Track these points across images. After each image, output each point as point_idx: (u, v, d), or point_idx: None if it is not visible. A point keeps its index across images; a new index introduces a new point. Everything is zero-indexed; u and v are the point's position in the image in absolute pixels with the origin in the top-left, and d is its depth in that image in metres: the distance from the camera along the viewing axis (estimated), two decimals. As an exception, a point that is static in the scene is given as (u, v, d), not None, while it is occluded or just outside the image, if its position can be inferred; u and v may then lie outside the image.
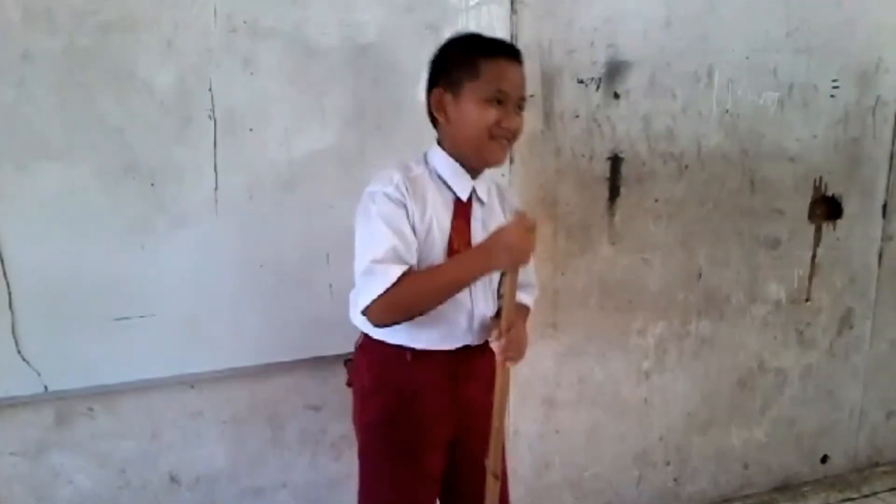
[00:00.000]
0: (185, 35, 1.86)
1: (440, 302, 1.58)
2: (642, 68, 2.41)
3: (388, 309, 1.56)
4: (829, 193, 2.83)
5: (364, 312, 1.57)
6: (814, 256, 2.87)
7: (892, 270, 3.03)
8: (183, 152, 1.91)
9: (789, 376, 2.95)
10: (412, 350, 1.69)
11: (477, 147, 1.64)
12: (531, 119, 2.29)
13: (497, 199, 1.79)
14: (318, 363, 2.11)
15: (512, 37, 2.19)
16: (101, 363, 1.94)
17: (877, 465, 3.25)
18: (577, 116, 2.36)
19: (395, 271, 1.53)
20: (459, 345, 1.72)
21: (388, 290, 1.52)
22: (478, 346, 1.76)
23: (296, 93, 1.98)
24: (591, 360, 2.59)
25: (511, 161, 2.27)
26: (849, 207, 2.87)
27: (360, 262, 1.57)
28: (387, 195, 1.59)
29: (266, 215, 2.00)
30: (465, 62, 1.62)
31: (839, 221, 2.88)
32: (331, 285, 2.06)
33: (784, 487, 3.07)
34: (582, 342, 2.56)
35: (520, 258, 1.55)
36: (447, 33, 2.08)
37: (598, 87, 2.36)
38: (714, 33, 2.48)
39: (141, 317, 1.95)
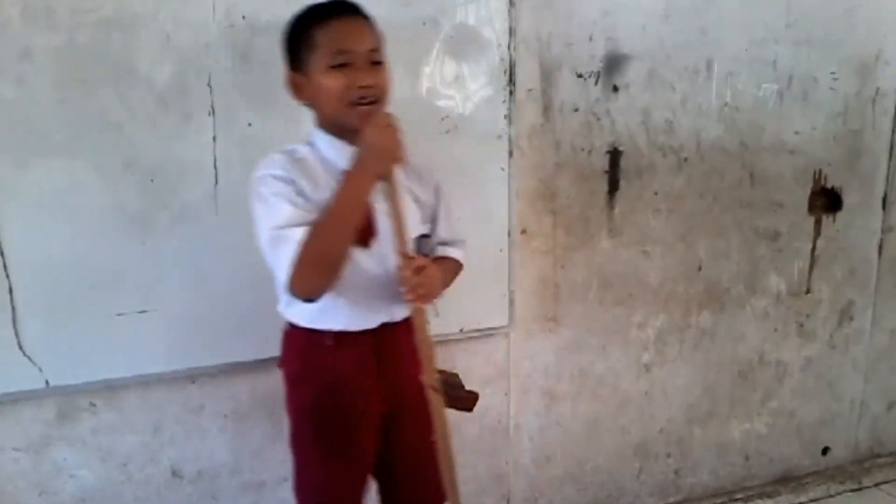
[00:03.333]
0: (183, 30, 1.86)
1: (349, 236, 1.52)
2: (641, 61, 2.41)
3: (309, 268, 1.50)
4: (829, 185, 2.83)
5: (290, 288, 1.53)
6: (814, 248, 2.87)
7: (892, 262, 3.03)
8: (183, 147, 1.92)
9: (790, 368, 2.96)
10: (333, 334, 1.67)
11: (339, 119, 1.59)
12: (531, 113, 2.30)
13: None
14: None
15: (510, 31, 2.19)
16: (103, 358, 1.95)
17: (878, 456, 3.25)
18: (577, 110, 2.36)
19: (298, 231, 1.49)
20: (379, 322, 1.70)
21: (300, 250, 1.48)
22: (400, 324, 1.73)
23: (295, 87, 1.98)
24: (591, 353, 2.59)
25: (510, 154, 2.27)
26: (849, 199, 2.87)
27: (264, 236, 1.54)
28: (273, 175, 1.56)
29: (266, 210, 2.00)
30: (301, 37, 1.58)
31: (839, 213, 2.87)
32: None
33: (785, 479, 3.07)
34: (582, 335, 2.56)
35: (391, 156, 1.53)
36: (446, 27, 2.10)
37: (597, 80, 2.36)
38: (713, 26, 2.48)
39: (142, 312, 1.95)
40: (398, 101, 1.82)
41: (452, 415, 2.32)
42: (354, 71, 1.55)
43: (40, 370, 1.89)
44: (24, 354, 1.87)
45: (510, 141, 2.27)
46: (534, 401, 2.55)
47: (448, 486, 1.76)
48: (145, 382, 2.03)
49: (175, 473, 2.12)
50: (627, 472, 2.77)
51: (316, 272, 1.52)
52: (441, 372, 2.33)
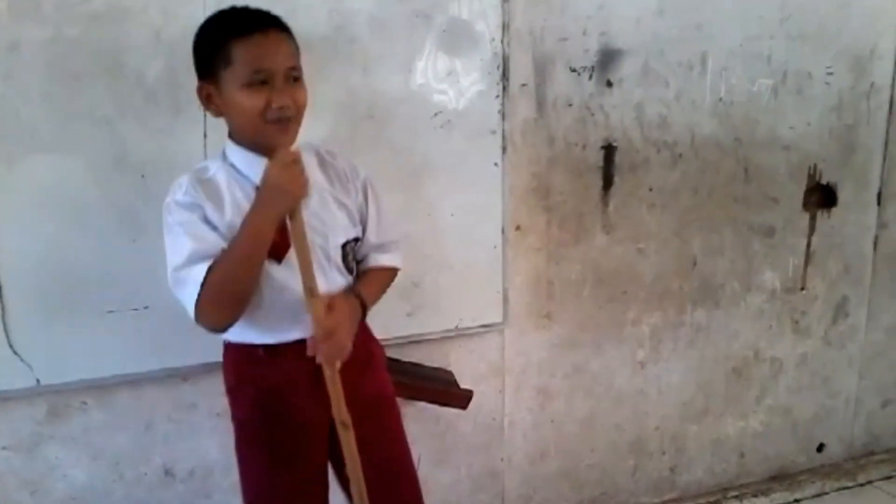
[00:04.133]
0: (173, 25, 1.84)
1: (255, 272, 1.50)
2: (635, 56, 2.40)
3: (214, 304, 1.49)
4: (824, 181, 2.82)
5: (198, 322, 1.51)
6: (808, 245, 2.86)
7: (887, 258, 3.03)
8: (174, 144, 1.90)
9: (785, 365, 2.95)
10: (264, 346, 1.64)
11: (256, 135, 1.54)
12: (525, 108, 2.30)
13: (318, 170, 1.70)
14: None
15: (503, 25, 2.18)
16: (94, 356, 1.94)
17: (872, 453, 3.25)
18: (570, 105, 2.35)
19: (200, 270, 1.47)
20: (306, 334, 1.59)
21: (203, 289, 1.46)
22: None
23: (286, 82, 1.97)
24: (585, 350, 2.59)
25: (504, 150, 2.26)
26: (843, 195, 2.87)
27: (170, 275, 1.52)
28: (177, 203, 1.53)
29: (257, 206, 1.99)
30: (216, 49, 1.50)
31: (834, 209, 2.87)
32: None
33: (780, 476, 3.07)
34: (576, 332, 2.55)
35: (292, 194, 1.48)
36: (439, 21, 2.09)
37: (590, 75, 2.35)
38: (707, 20, 2.47)
39: (133, 310, 1.94)
40: (392, 97, 1.82)
41: (447, 412, 2.33)
42: (272, 90, 1.49)
43: (31, 368, 1.88)
44: (15, 353, 1.86)
45: (504, 136, 2.26)
46: (528, 398, 2.54)
47: None
48: (137, 381, 2.02)
49: (167, 472, 2.11)
50: (622, 470, 2.77)
51: (225, 305, 1.51)
52: (436, 369, 2.34)
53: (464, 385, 2.31)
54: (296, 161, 1.49)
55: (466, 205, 2.22)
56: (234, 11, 1.55)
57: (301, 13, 1.94)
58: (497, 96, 2.23)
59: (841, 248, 2.93)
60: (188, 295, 1.48)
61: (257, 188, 1.52)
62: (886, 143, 2.88)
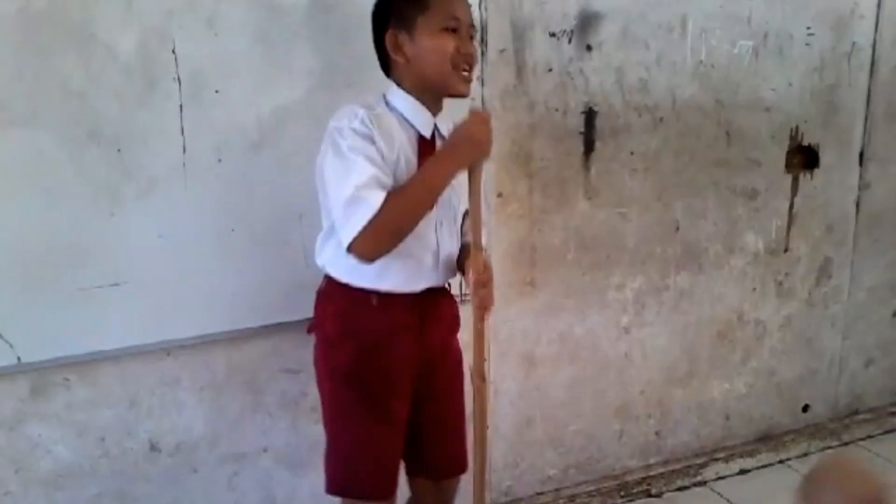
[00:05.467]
0: (144, -5, 1.82)
1: (422, 214, 1.59)
2: (615, 19, 2.39)
3: (378, 234, 1.54)
4: (806, 143, 2.83)
5: (350, 247, 1.55)
6: (791, 206, 2.87)
7: (870, 219, 3.04)
8: (148, 116, 1.88)
9: (769, 327, 2.97)
10: (377, 294, 1.69)
11: (442, 79, 1.65)
12: (503, 73, 2.27)
13: None
14: (295, 326, 2.08)
15: (481, -10, 2.16)
16: (75, 333, 1.92)
17: (856, 412, 3.28)
18: (550, 70, 2.33)
19: (379, 196, 1.52)
20: (425, 286, 1.74)
21: (375, 215, 1.51)
22: (441, 289, 1.80)
23: (262, 52, 1.95)
24: (569, 317, 2.59)
25: (484, 117, 2.24)
26: (825, 157, 2.87)
27: (342, 192, 1.54)
28: (354, 130, 1.58)
29: (236, 178, 1.98)
30: None
31: (816, 171, 2.88)
32: (304, 247, 2.03)
33: (766, 437, 3.09)
34: (560, 298, 2.55)
35: (482, 148, 1.62)
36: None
37: (570, 39, 2.34)
38: (687, -18, 2.46)
39: (113, 285, 1.92)
40: (371, 65, 1.80)
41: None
42: (461, 38, 1.63)
43: (11, 346, 1.86)
44: (-6, 331, 1.84)
45: (483, 103, 2.24)
46: (513, 365, 2.55)
47: (476, 483, 1.83)
48: (119, 356, 2.00)
49: (153, 447, 2.11)
50: (608, 435, 2.78)
51: (385, 239, 1.57)
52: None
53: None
54: (489, 121, 1.63)
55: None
56: None
57: (275, -21, 1.93)
58: (476, 62, 2.21)
59: (824, 210, 2.94)
60: (361, 214, 1.52)
61: (447, 138, 1.66)
62: (868, 104, 2.89)
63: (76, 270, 1.89)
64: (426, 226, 1.66)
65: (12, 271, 1.83)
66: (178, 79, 1.88)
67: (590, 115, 2.42)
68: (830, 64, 2.77)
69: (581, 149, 2.44)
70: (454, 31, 1.61)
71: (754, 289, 2.89)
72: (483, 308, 1.70)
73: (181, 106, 1.90)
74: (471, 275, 1.67)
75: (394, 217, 1.53)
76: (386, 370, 1.74)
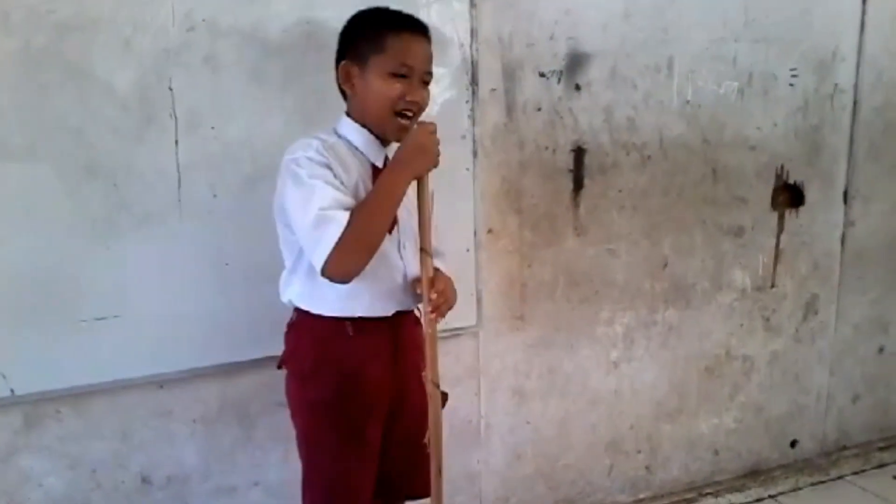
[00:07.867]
0: (142, 34, 1.86)
1: (387, 225, 1.64)
2: (603, 60, 2.44)
3: (350, 249, 1.55)
4: (791, 181, 2.87)
5: (325, 268, 1.56)
6: (777, 243, 2.91)
7: (855, 255, 3.08)
8: (145, 152, 1.91)
9: (756, 362, 2.99)
10: (352, 321, 1.71)
11: (380, 121, 1.71)
12: (494, 112, 2.32)
13: None
14: (287, 360, 2.11)
15: (472, 31, 2.21)
16: (69, 365, 1.93)
17: (844, 448, 3.30)
18: (540, 109, 2.38)
19: (343, 214, 1.55)
20: (396, 308, 1.77)
21: (344, 232, 1.53)
22: (410, 314, 1.82)
23: (257, 90, 1.99)
24: (559, 351, 2.61)
25: (475, 154, 2.28)
26: (810, 194, 2.92)
27: (307, 218, 1.56)
28: (310, 158, 1.62)
29: (231, 213, 2.01)
30: (371, 36, 1.67)
31: (801, 208, 2.92)
32: (297, 281, 2.05)
33: (754, 473, 3.10)
34: (550, 333, 2.58)
35: (430, 157, 1.65)
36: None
37: (559, 79, 2.38)
38: (673, 24, 2.52)
39: (107, 318, 1.94)
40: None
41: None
42: (410, 84, 1.67)
43: (4, 378, 1.87)
44: (-12, 363, 1.85)
45: (474, 141, 2.29)
46: (504, 400, 2.56)
47: (434, 484, 1.83)
48: (112, 389, 2.01)
49: (145, 479, 2.11)
50: (598, 469, 2.79)
51: (358, 252, 1.58)
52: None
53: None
54: (435, 130, 1.66)
55: (439, 209, 2.24)
56: (389, 10, 1.74)
57: (271, 21, 1.99)
58: (467, 101, 2.26)
59: (809, 247, 2.98)
60: (329, 234, 1.54)
61: (397, 150, 1.69)
62: (851, 143, 2.94)
63: (71, 303, 1.90)
64: (390, 247, 1.71)
65: (7, 303, 1.85)
66: (175, 115, 1.92)
67: (579, 153, 2.46)
68: (814, 104, 2.83)
69: (570, 186, 2.48)
70: (404, 76, 1.66)
71: (742, 324, 2.92)
72: (435, 311, 1.70)
73: (177, 141, 1.93)
74: (423, 278, 1.69)
75: (362, 229, 1.56)
76: (363, 397, 1.75)
